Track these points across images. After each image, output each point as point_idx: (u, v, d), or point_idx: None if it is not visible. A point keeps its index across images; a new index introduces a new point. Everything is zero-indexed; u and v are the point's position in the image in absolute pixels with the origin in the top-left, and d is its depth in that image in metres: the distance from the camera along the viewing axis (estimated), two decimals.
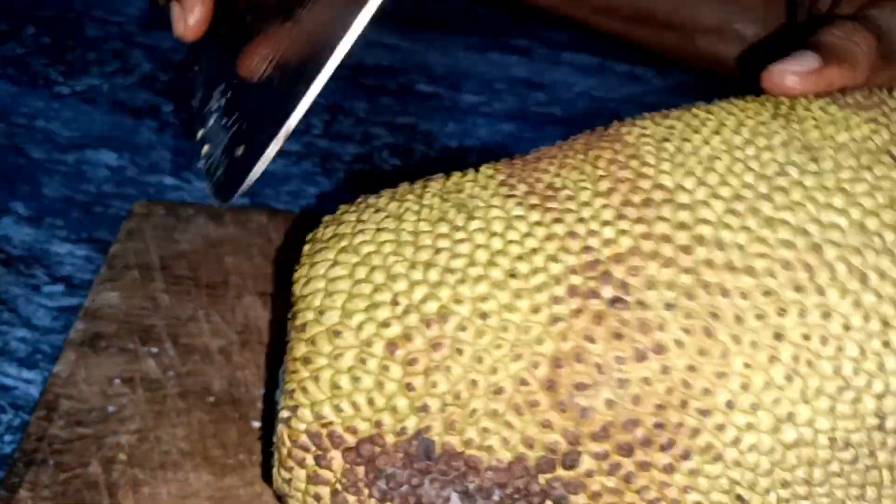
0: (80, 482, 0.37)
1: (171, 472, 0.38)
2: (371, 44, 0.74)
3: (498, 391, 0.30)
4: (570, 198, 0.32)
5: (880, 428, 0.30)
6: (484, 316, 0.31)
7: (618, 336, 0.30)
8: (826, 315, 0.30)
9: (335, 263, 0.32)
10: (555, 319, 0.30)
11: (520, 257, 0.31)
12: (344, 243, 0.33)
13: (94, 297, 0.46)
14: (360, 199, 0.35)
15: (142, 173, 0.58)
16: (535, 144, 0.64)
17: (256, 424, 0.40)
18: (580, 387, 0.30)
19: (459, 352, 0.30)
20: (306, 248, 0.34)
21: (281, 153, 0.60)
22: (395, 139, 0.63)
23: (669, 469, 0.30)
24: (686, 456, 0.30)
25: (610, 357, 0.30)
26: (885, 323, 0.30)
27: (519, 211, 0.32)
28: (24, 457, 0.38)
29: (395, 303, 0.31)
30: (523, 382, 0.30)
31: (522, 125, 0.67)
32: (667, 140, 0.33)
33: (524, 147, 0.63)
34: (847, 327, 0.30)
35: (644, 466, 0.30)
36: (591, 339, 0.30)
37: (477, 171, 0.35)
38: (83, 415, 0.40)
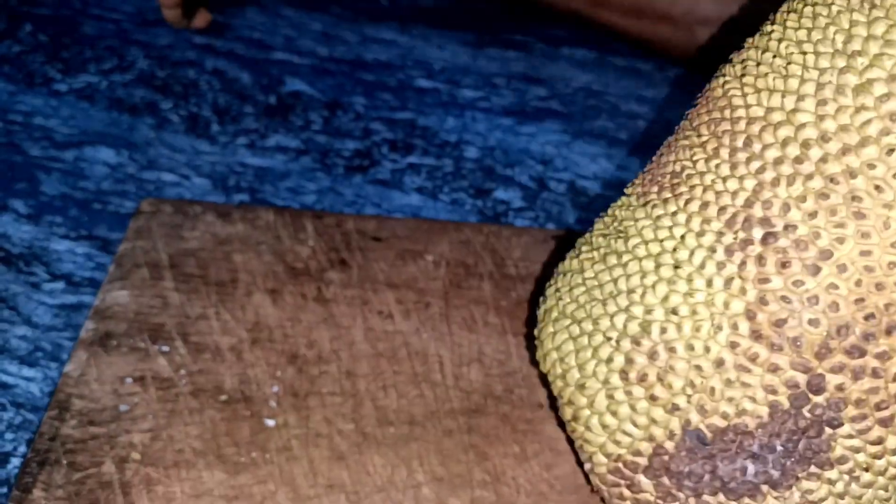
0: (93, 482, 0.37)
1: (185, 471, 0.38)
2: (369, 39, 0.74)
3: (719, 363, 0.33)
4: (690, 175, 0.35)
5: None
6: (675, 312, 0.33)
7: (785, 265, 0.32)
8: None
9: (555, 332, 0.37)
10: (728, 281, 0.33)
11: (675, 249, 0.34)
12: (555, 314, 0.38)
13: (103, 297, 0.45)
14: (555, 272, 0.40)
15: (140, 170, 0.57)
16: (534, 139, 0.64)
17: (269, 423, 0.40)
18: (779, 323, 0.32)
19: (672, 350, 0.33)
20: (536, 331, 0.40)
21: (280, 149, 0.60)
22: (395, 134, 0.63)
23: None
24: None
25: (790, 285, 0.32)
26: None
27: (659, 210, 0.35)
28: (37, 457, 0.38)
29: (607, 338, 0.35)
30: (734, 345, 0.32)
31: (521, 119, 0.66)
32: (744, 74, 0.35)
33: (522, 141, 0.64)
34: None
35: (882, 356, 0.31)
36: (767, 279, 0.32)
37: (624, 194, 0.38)
38: (95, 414, 0.39)
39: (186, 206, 0.51)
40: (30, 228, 0.52)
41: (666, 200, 0.35)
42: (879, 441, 0.32)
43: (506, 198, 0.59)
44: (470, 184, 0.60)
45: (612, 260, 0.36)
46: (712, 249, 0.33)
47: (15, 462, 0.40)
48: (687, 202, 0.35)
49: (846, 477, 0.33)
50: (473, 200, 0.58)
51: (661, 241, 0.35)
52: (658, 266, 0.34)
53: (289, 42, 0.72)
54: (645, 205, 0.36)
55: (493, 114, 0.67)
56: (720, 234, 0.33)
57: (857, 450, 0.32)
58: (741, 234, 0.33)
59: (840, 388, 0.32)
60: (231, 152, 0.60)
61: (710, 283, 0.33)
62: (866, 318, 0.31)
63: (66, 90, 0.64)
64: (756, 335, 0.32)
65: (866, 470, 0.32)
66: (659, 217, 0.35)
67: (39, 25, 0.70)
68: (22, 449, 0.40)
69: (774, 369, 0.32)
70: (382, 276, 0.49)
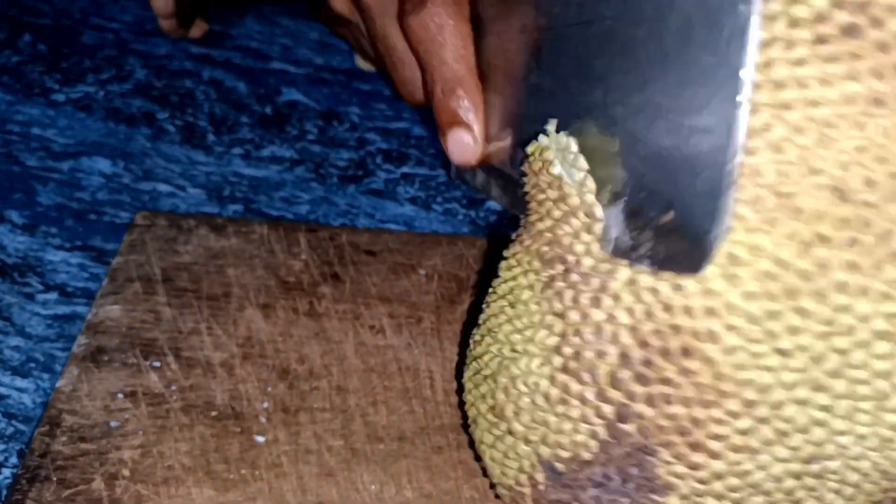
0: (83, 499, 0.37)
1: (174, 488, 0.38)
2: None
3: (547, 397, 0.33)
4: (529, 212, 0.35)
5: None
6: (514, 349, 0.34)
7: (576, 299, 0.32)
8: None
9: (466, 370, 0.38)
10: (543, 317, 0.33)
11: (512, 288, 0.35)
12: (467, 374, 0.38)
13: (96, 311, 0.45)
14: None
15: (136, 180, 0.58)
16: None
17: (259, 439, 0.41)
18: (577, 356, 0.32)
19: (515, 386, 0.34)
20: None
21: (275, 160, 0.60)
22: (389, 144, 0.63)
23: (685, 371, 0.30)
24: (687, 352, 0.30)
25: (581, 318, 0.32)
26: None
27: (511, 250, 0.36)
28: (27, 473, 0.38)
29: (483, 377, 0.36)
30: (553, 379, 0.33)
31: None
32: None
33: None
34: None
35: (667, 382, 0.31)
36: (565, 314, 0.32)
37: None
38: (86, 430, 0.40)
39: (180, 220, 0.52)
40: (25, 239, 0.52)
41: (515, 239, 0.36)
42: (699, 466, 0.31)
43: (499, 208, 0.59)
44: (463, 194, 0.60)
45: (488, 299, 0.37)
46: (532, 287, 0.34)
47: (6, 473, 0.40)
48: (522, 241, 0.35)
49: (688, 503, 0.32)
50: (466, 210, 0.58)
51: (506, 280, 0.35)
52: (505, 305, 0.35)
53: (285, 51, 0.72)
54: (508, 243, 0.37)
55: None
56: (537, 271, 0.34)
57: (681, 476, 0.32)
58: (550, 271, 0.33)
59: (640, 415, 0.31)
60: (226, 162, 0.60)
61: (532, 320, 0.34)
62: (641, 345, 0.31)
63: (63, 100, 0.64)
64: (565, 368, 0.32)
65: (700, 497, 0.32)
66: (508, 257, 0.36)
67: (39, 35, 0.70)
68: (13, 460, 0.41)
69: (584, 401, 0.32)
70: (375, 290, 0.49)
